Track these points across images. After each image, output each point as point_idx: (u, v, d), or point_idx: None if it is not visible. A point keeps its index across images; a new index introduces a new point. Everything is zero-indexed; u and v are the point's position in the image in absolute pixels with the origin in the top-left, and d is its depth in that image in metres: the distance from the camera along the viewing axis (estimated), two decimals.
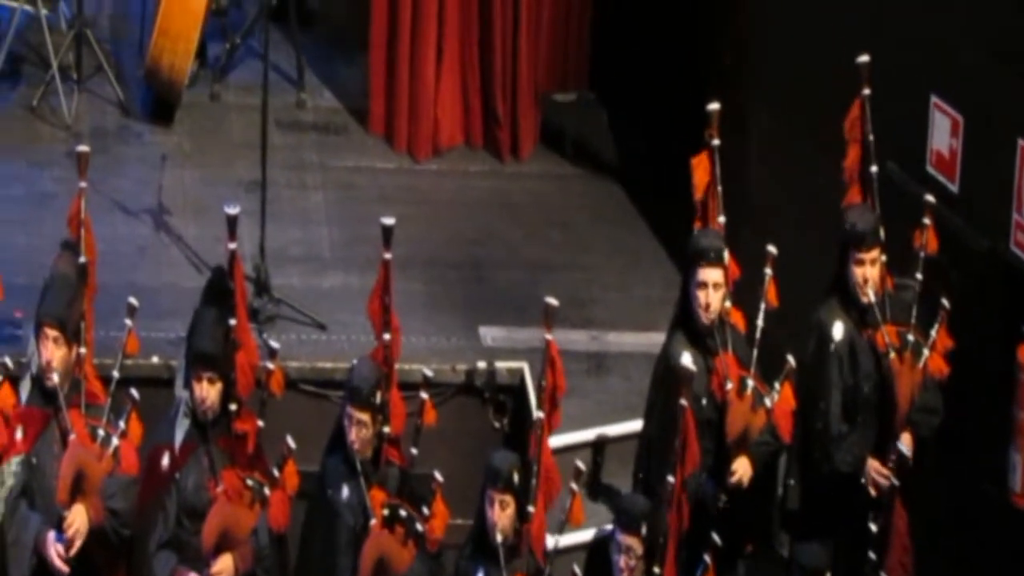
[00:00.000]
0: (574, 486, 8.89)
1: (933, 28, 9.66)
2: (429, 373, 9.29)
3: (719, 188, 9.28)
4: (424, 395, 8.95)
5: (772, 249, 9.00)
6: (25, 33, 11.84)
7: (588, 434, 10.01)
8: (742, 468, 8.90)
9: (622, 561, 8.62)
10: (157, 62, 11.48)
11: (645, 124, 11.86)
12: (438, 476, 8.61)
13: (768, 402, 8.91)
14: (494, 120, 11.89)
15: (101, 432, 8.65)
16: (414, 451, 8.92)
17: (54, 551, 8.63)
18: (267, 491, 8.67)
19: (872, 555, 8.78)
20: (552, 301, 8.88)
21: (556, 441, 9.39)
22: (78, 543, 8.67)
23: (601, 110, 12.14)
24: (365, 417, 8.72)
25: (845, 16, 10.06)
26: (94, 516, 8.60)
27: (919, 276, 8.95)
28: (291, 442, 8.65)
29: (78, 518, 8.57)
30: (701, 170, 9.26)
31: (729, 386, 8.97)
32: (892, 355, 8.94)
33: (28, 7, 11.68)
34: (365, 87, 11.91)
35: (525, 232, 11.40)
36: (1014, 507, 8.85)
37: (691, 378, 8.75)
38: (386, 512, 8.69)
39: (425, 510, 8.70)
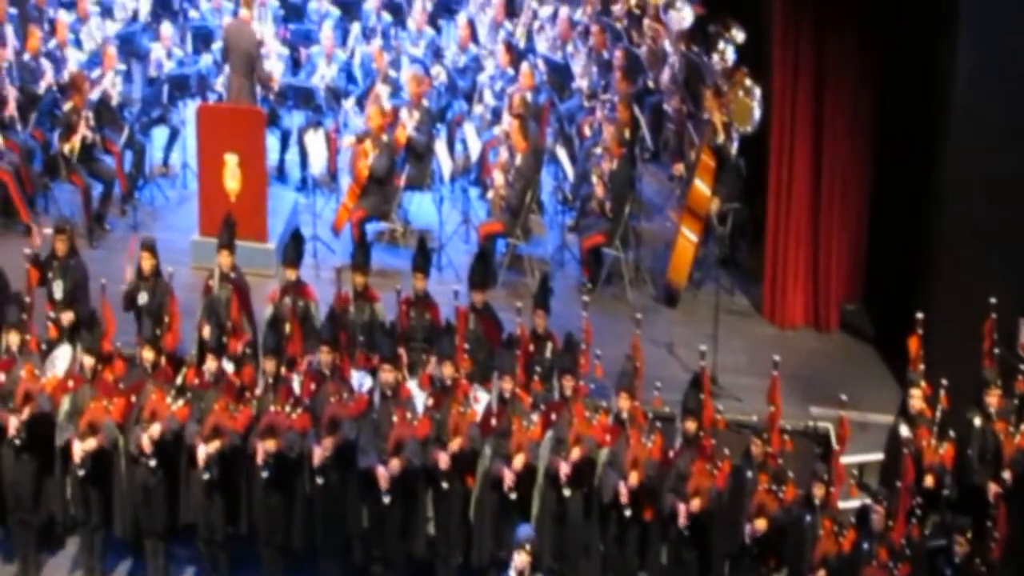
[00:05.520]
0: (852, 481, 10.54)
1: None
2: (787, 427, 10.66)
3: (923, 352, 10.22)
4: (787, 438, 10.25)
5: (944, 381, 9.98)
6: (613, 268, 12.59)
7: (858, 458, 10.85)
8: (928, 481, 9.96)
9: (875, 516, 9.41)
10: (671, 279, 12.56)
11: (890, 315, 11.86)
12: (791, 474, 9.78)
13: (941, 450, 9.98)
14: (816, 311, 12.45)
15: None
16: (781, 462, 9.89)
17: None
18: None
19: (988, 524, 9.71)
20: (843, 396, 10.11)
21: (848, 460, 10.40)
22: None
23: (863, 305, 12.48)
24: (759, 442, 9.85)
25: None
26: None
27: (1016, 402, 10.07)
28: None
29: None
30: (914, 345, 10.35)
31: (923, 443, 10.00)
32: (1003, 436, 10.03)
33: (615, 251, 12.51)
34: (761, 295, 12.63)
35: (829, 362, 12.01)
36: None
37: (909, 441, 10.01)
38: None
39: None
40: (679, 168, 13.16)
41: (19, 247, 11.88)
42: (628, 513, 10.00)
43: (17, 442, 10.32)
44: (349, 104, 13.94)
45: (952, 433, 10.08)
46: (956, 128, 10.99)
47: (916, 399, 10.15)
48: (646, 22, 14.42)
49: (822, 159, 12.12)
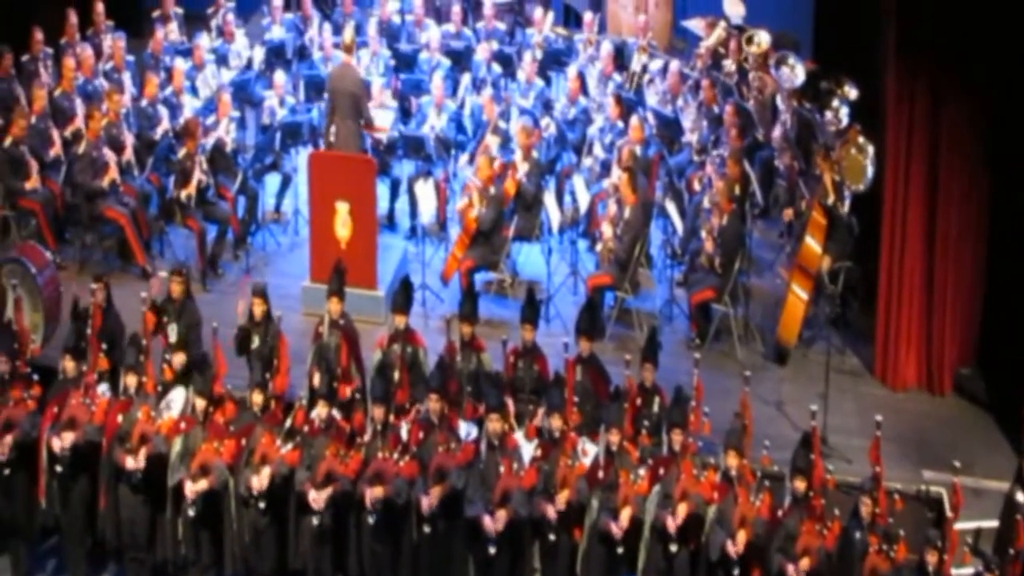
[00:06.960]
0: (965, 548, 10.25)
1: None
2: (898, 486, 10.64)
3: None
4: (897, 496, 10.25)
5: None
6: (722, 324, 12.65)
7: (973, 524, 10.65)
8: None
9: None
10: (781, 336, 12.53)
11: (1005, 381, 11.92)
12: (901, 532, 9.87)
13: None
14: (929, 374, 12.38)
15: None
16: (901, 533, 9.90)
17: None
18: None
19: None
20: (956, 464, 10.02)
21: (962, 526, 10.31)
22: None
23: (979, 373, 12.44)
24: (868, 502, 9.97)
25: None
26: None
27: None
28: None
29: None
30: None
31: None
32: None
33: (724, 307, 12.52)
34: (872, 355, 12.52)
35: (943, 426, 11.95)
36: None
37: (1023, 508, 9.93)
38: None
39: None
40: (789, 213, 13.15)
41: (135, 290, 12.31)
42: (736, 572, 10.11)
43: (133, 482, 10.75)
44: (462, 162, 14.24)
45: None
46: None
47: None
48: (751, 74, 14.52)
49: (936, 219, 12.12)
